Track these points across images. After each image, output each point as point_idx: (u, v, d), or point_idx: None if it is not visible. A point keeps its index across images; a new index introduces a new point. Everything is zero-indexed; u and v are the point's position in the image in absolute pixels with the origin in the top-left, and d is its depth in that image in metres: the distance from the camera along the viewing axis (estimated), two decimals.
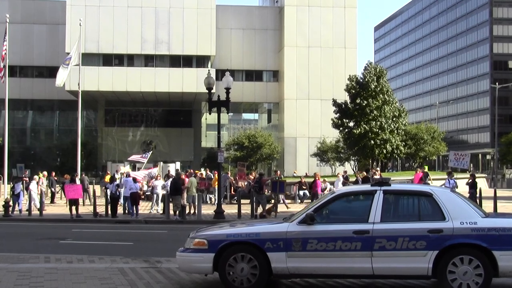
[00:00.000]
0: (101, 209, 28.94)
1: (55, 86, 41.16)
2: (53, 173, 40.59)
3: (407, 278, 10.79)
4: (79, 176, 34.96)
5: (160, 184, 31.54)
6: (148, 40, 66.55)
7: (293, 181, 40.05)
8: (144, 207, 32.49)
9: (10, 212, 27.55)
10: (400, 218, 10.69)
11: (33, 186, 30.07)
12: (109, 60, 67.66)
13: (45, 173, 39.05)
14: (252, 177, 37.19)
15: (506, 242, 9.84)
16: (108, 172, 41.97)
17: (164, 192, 29.81)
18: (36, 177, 33.49)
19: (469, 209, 10.31)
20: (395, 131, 52.24)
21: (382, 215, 10.27)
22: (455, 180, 28.45)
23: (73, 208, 26.92)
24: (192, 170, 40.11)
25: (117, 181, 29.73)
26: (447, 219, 10.04)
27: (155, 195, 31.18)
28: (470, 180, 28.23)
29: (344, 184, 34.17)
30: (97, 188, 38.45)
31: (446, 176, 29.18)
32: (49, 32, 70.45)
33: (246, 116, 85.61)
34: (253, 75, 74.50)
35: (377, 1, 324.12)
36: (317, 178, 33.16)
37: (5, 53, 36.27)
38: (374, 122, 50.64)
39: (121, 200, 29.85)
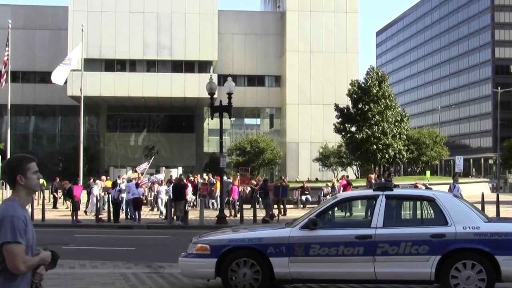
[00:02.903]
0: (103, 215, 28.95)
1: (54, 84, 40.82)
2: (57, 179, 40.57)
3: (409, 283, 10.79)
4: (81, 181, 34.94)
5: (164, 190, 31.57)
6: (150, 45, 66.60)
7: (295, 186, 40.02)
8: (146, 212, 32.50)
9: None
10: (402, 223, 10.70)
11: (95, 191, 30.56)
12: (111, 65, 67.69)
13: (104, 177, 39.14)
14: (255, 183, 37.20)
15: (509, 247, 9.83)
16: (108, 178, 42.00)
17: (167, 197, 29.81)
18: (98, 182, 33.89)
19: (472, 213, 10.31)
20: (397, 136, 52.22)
21: (384, 220, 10.27)
22: (458, 185, 28.57)
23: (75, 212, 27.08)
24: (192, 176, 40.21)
25: (119, 187, 29.72)
26: (449, 223, 10.04)
27: (159, 200, 31.26)
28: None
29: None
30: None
31: (451, 181, 29.31)
32: (51, 37, 70.51)
33: (248, 121, 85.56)
34: (255, 80, 74.51)
35: (379, 6, 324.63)
36: (234, 184, 32.92)
37: (7, 59, 36.32)
38: (376, 127, 50.62)
39: (123, 205, 29.86)
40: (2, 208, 4.72)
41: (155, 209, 34.08)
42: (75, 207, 27.69)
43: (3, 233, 4.56)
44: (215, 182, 36.17)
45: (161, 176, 41.09)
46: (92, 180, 37.10)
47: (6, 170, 4.86)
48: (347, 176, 39.77)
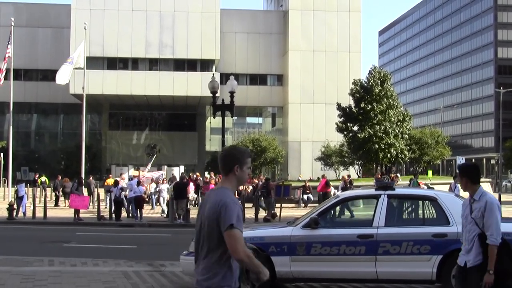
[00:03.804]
0: (104, 213, 28.95)
1: (56, 83, 40.66)
2: (59, 177, 40.54)
3: (411, 283, 10.78)
4: (84, 179, 34.88)
5: (166, 188, 31.58)
6: (153, 43, 66.63)
7: (297, 185, 40.01)
8: (147, 210, 32.49)
9: (14, 215, 27.57)
10: (404, 222, 10.70)
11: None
12: (113, 63, 67.75)
13: (124, 175, 39.15)
14: (257, 181, 37.17)
15: None
16: (110, 176, 42.00)
17: (169, 195, 29.78)
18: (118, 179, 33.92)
19: None
20: (400, 136, 52.20)
21: (386, 219, 10.25)
22: (457, 185, 28.47)
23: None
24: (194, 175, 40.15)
25: (121, 185, 29.70)
26: (451, 223, 10.02)
27: (161, 198, 31.30)
28: None
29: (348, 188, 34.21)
30: (101, 191, 38.37)
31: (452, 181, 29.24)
32: (54, 35, 70.59)
33: (250, 120, 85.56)
34: (257, 79, 74.55)
35: (382, 5, 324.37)
36: (211, 183, 32.59)
37: (9, 56, 36.32)
38: (378, 127, 50.60)
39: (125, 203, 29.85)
40: (220, 193, 4.82)
41: (156, 207, 34.06)
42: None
43: (228, 217, 4.62)
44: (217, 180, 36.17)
45: (162, 173, 41.12)
46: (91, 178, 37.10)
47: (225, 157, 5.01)
48: (349, 176, 39.86)
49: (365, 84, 52.69)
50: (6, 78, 37.84)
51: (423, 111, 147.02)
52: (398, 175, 40.69)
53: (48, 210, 28.86)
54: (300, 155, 70.20)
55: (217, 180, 36.57)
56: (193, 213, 29.13)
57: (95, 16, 64.30)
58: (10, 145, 38.21)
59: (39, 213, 27.95)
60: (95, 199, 33.63)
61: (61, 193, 38.41)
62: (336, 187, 36.58)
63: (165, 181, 34.40)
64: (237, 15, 74.02)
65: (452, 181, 30.09)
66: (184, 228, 24.79)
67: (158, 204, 33.55)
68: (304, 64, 70.46)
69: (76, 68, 41.82)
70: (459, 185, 25.29)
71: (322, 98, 69.23)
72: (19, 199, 28.53)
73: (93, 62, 61.10)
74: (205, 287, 4.77)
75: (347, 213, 16.18)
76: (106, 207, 31.19)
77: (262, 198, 31.57)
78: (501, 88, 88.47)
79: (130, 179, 33.98)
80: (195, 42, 66.41)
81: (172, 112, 76.44)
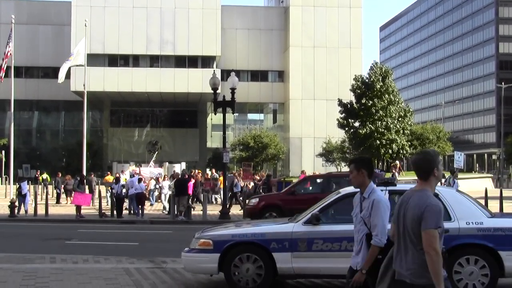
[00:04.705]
0: (106, 210, 28.96)
1: (57, 78, 40.72)
2: (59, 174, 40.54)
3: None
4: (85, 177, 34.88)
5: (167, 185, 31.58)
6: (154, 40, 66.60)
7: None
8: (148, 207, 32.52)
9: (16, 213, 27.56)
10: None
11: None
12: (114, 60, 67.74)
13: (134, 168, 39.13)
14: (258, 178, 37.18)
15: None
16: (109, 173, 42.02)
17: (171, 192, 29.80)
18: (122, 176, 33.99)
19: (475, 209, 10.27)
20: (401, 131, 52.21)
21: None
22: (456, 180, 28.46)
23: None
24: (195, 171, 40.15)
25: (122, 182, 29.70)
26: (453, 219, 9.99)
27: (163, 195, 31.31)
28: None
29: None
30: (102, 188, 38.38)
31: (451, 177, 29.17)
32: (55, 33, 70.57)
33: (251, 116, 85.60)
34: (258, 76, 74.51)
35: (383, 1, 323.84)
36: (190, 180, 32.18)
37: (10, 54, 36.29)
38: (379, 122, 50.60)
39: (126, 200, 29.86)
40: (423, 196, 5.15)
41: (156, 204, 34.07)
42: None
43: (430, 219, 5.00)
44: (218, 177, 36.19)
45: (160, 170, 41.17)
46: (92, 175, 37.10)
47: (424, 164, 5.27)
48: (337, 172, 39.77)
49: (366, 80, 52.70)
50: (7, 75, 37.78)
51: (424, 107, 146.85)
52: (397, 162, 40.65)
53: (50, 207, 28.88)
54: (302, 151, 70.18)
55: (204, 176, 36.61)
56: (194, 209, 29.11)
57: (96, 13, 64.28)
58: (12, 142, 38.20)
59: (41, 211, 27.97)
60: (97, 196, 33.64)
61: (62, 190, 38.44)
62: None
63: (166, 178, 34.39)
64: (238, 11, 73.96)
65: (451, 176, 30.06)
66: (186, 224, 24.79)
67: (159, 200, 33.61)
68: (305, 60, 70.43)
69: (77, 65, 41.79)
70: (458, 181, 25.20)
71: (323, 94, 69.21)
72: (21, 196, 28.50)
73: (94, 59, 61.05)
74: (420, 284, 5.07)
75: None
76: (107, 204, 31.22)
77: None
78: (503, 83, 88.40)
79: (132, 176, 33.97)
80: (196, 38, 66.38)
81: (173, 108, 76.47)
